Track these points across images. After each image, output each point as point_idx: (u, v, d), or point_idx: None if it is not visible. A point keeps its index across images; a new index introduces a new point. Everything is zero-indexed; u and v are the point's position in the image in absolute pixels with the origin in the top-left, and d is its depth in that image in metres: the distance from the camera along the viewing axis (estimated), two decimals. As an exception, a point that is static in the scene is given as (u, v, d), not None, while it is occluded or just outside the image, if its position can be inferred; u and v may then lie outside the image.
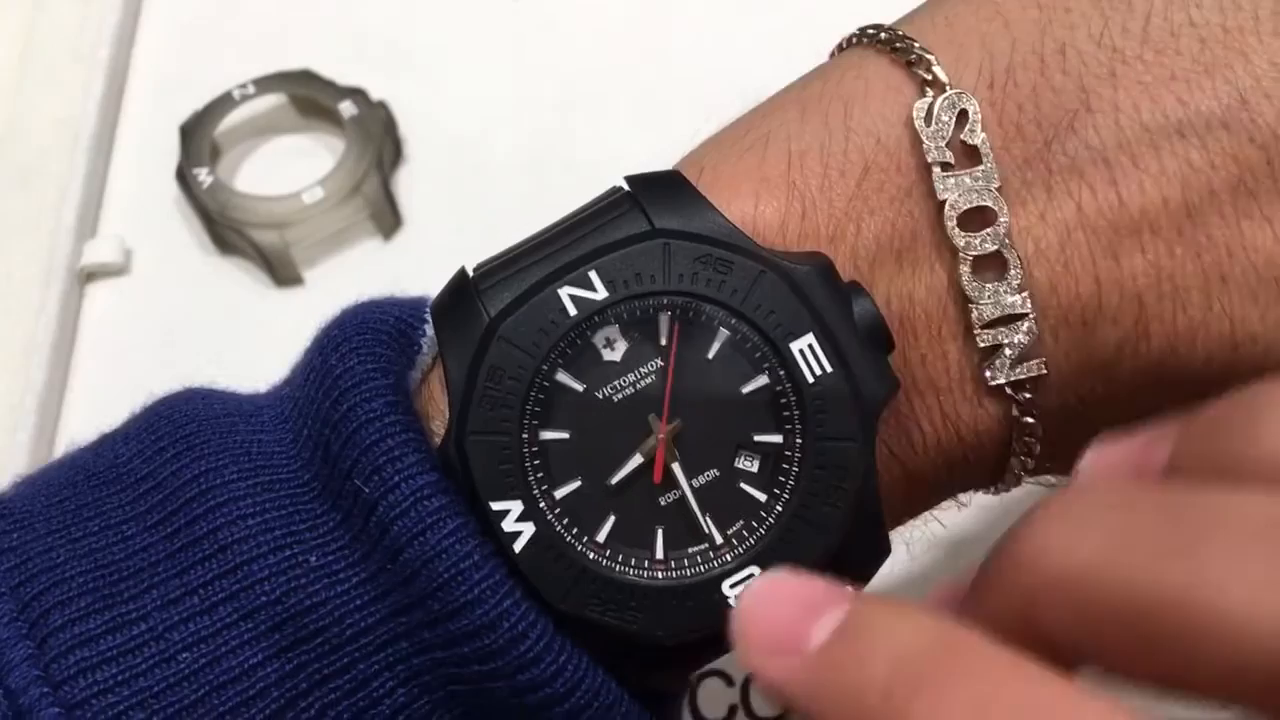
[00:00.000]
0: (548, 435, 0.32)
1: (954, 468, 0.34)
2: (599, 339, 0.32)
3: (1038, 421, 0.33)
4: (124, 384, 0.58)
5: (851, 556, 0.33)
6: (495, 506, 0.31)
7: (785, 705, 0.26)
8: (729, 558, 0.32)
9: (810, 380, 0.32)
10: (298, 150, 0.64)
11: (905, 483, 0.34)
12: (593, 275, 0.32)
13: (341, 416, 0.32)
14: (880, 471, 0.33)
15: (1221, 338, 0.32)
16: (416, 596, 0.31)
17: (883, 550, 0.33)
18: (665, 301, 0.32)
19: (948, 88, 0.33)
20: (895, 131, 0.34)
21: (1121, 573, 0.22)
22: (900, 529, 0.36)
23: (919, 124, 0.33)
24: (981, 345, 0.33)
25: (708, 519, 0.32)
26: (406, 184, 0.63)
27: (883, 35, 0.35)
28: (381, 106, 0.63)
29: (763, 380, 0.32)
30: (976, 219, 0.33)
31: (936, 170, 0.33)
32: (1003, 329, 0.33)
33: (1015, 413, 0.33)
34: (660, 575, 0.32)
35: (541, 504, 0.32)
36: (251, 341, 0.59)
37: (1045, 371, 0.33)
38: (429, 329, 0.34)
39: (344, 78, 0.64)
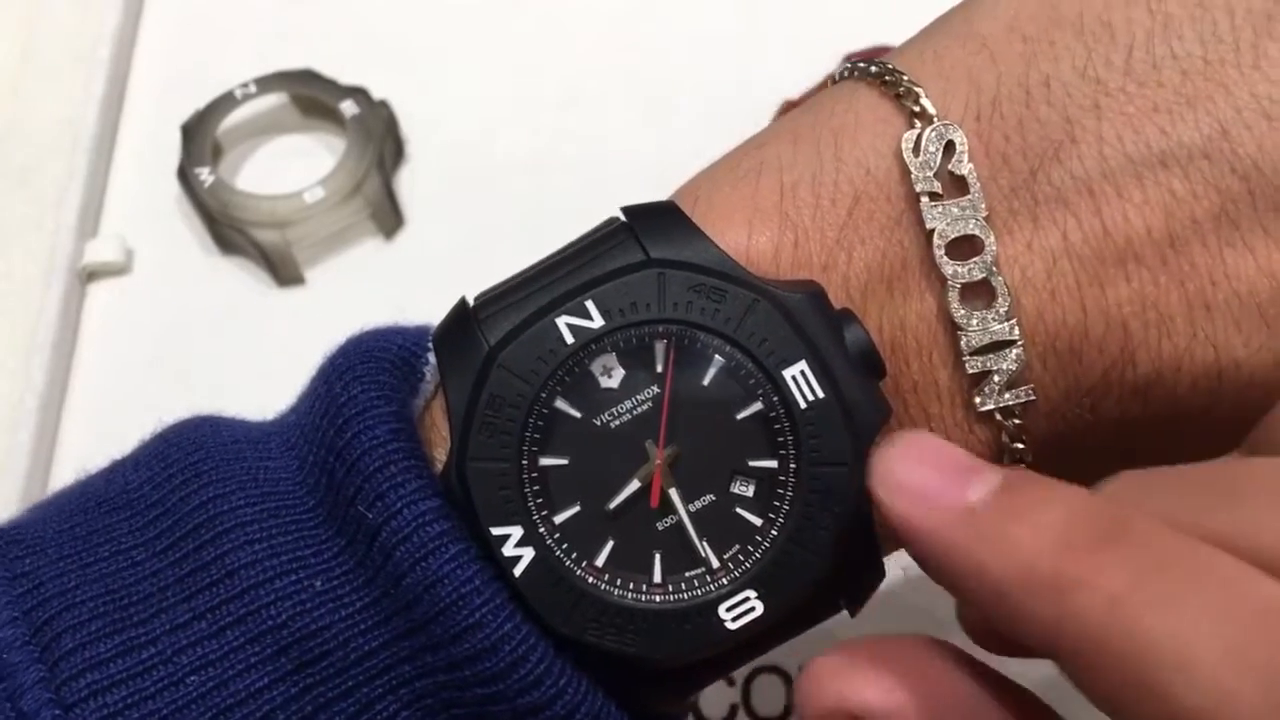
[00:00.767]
0: (547, 461, 0.33)
1: None
2: (596, 367, 0.33)
3: (1027, 447, 0.34)
4: (125, 383, 0.60)
5: (847, 580, 0.34)
6: (496, 532, 0.32)
7: (921, 551, 0.29)
8: (725, 581, 0.32)
9: (803, 406, 0.32)
10: (299, 149, 0.65)
11: None
12: (589, 304, 0.33)
13: (345, 444, 0.33)
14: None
15: (1206, 365, 0.33)
16: (419, 621, 0.32)
17: (878, 574, 0.34)
18: (661, 330, 0.33)
19: (935, 119, 0.34)
20: (885, 162, 0.34)
21: None
22: (898, 554, 0.37)
23: (907, 155, 0.34)
24: (971, 371, 0.33)
25: (704, 543, 0.33)
26: (408, 183, 0.63)
27: (873, 69, 0.35)
28: (383, 106, 0.64)
29: (757, 406, 0.33)
30: (965, 247, 0.33)
31: (924, 200, 0.33)
32: (991, 355, 0.33)
33: (1005, 439, 0.34)
34: (658, 599, 0.32)
35: (541, 529, 0.32)
36: (253, 341, 0.60)
37: (1034, 398, 0.33)
38: (432, 357, 0.35)
39: (345, 77, 0.64)
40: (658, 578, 0.33)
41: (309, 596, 0.33)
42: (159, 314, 0.61)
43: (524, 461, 0.32)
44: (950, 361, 0.34)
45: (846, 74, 0.37)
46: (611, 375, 0.33)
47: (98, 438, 0.58)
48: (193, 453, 0.35)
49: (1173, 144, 0.33)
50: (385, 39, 0.68)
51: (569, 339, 0.33)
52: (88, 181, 0.63)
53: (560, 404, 0.33)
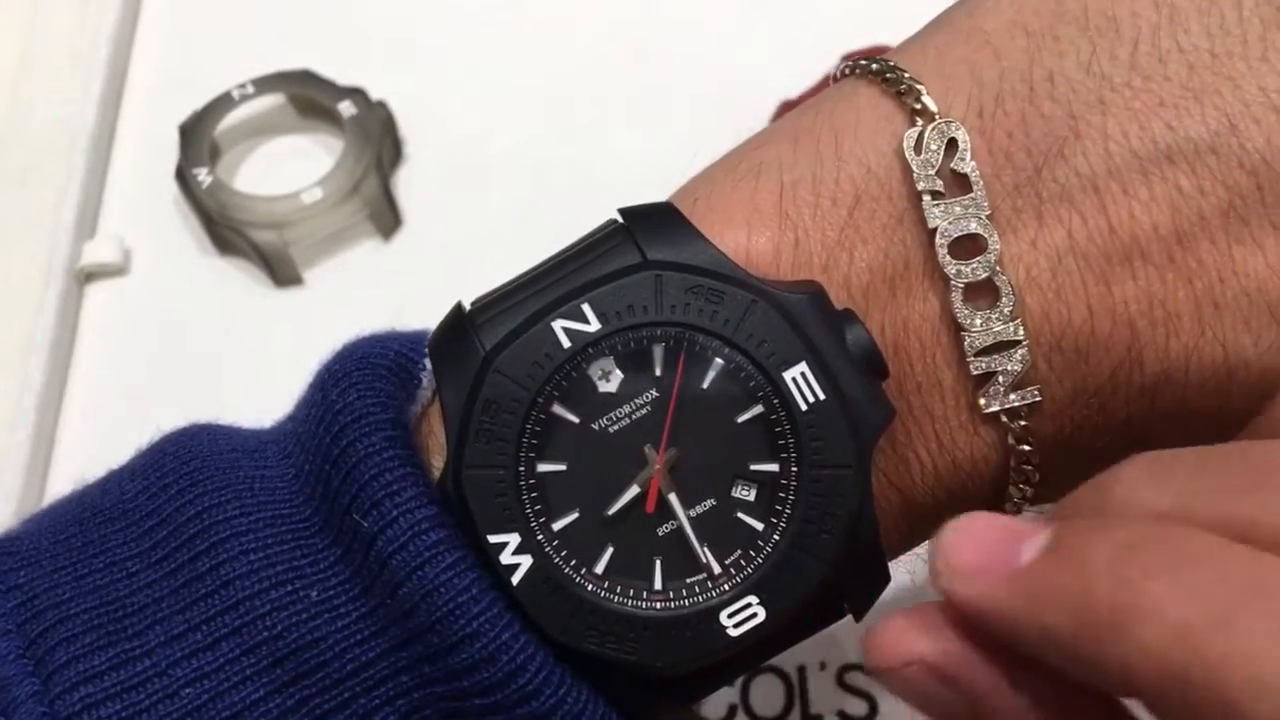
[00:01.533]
0: (545, 467, 0.32)
1: (953, 496, 0.34)
2: (594, 371, 0.32)
3: (1034, 449, 0.33)
4: (123, 384, 0.59)
5: (851, 584, 0.33)
6: (493, 539, 0.32)
7: (992, 630, 0.27)
8: (727, 587, 0.32)
9: (804, 408, 0.32)
10: (297, 150, 0.65)
11: (905, 512, 0.34)
12: (585, 308, 0.32)
13: (341, 451, 0.33)
14: (879, 500, 0.33)
15: (1215, 363, 0.32)
16: (416, 630, 0.32)
17: (882, 578, 0.34)
18: (659, 333, 0.32)
19: (937, 117, 0.33)
20: (886, 161, 0.34)
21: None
22: (905, 557, 0.36)
23: (909, 153, 0.33)
24: (975, 373, 0.33)
25: (705, 549, 0.32)
26: (406, 184, 0.63)
27: (874, 66, 0.35)
28: (381, 106, 0.63)
29: (758, 409, 0.32)
30: (968, 246, 0.33)
31: (926, 198, 0.33)
32: (996, 356, 0.33)
33: (1011, 440, 0.33)
34: (659, 606, 0.32)
35: (539, 536, 0.32)
36: (251, 341, 0.60)
37: (1040, 399, 0.33)
38: (428, 363, 0.35)
39: (343, 78, 0.64)
40: (658, 584, 0.32)
41: (305, 607, 0.32)
42: (157, 314, 0.61)
43: (521, 468, 0.32)
44: (954, 362, 0.33)
45: (847, 72, 0.36)
46: (609, 379, 0.32)
47: (95, 438, 0.58)
48: (188, 462, 0.35)
49: (1179, 139, 0.32)
50: (383, 40, 0.68)
51: (565, 343, 0.32)
52: (86, 182, 0.63)
53: (557, 409, 0.32)
